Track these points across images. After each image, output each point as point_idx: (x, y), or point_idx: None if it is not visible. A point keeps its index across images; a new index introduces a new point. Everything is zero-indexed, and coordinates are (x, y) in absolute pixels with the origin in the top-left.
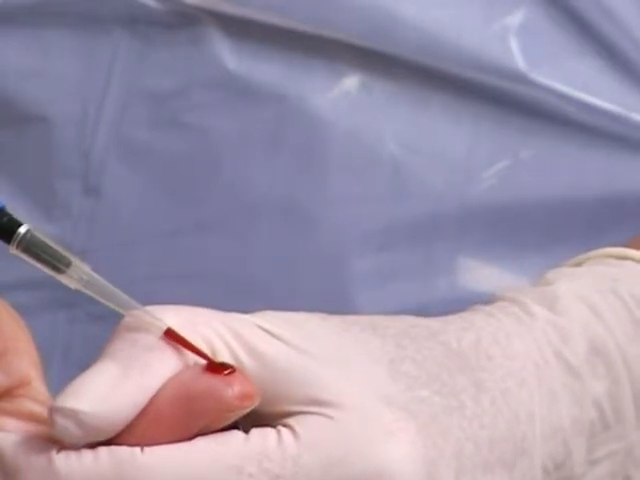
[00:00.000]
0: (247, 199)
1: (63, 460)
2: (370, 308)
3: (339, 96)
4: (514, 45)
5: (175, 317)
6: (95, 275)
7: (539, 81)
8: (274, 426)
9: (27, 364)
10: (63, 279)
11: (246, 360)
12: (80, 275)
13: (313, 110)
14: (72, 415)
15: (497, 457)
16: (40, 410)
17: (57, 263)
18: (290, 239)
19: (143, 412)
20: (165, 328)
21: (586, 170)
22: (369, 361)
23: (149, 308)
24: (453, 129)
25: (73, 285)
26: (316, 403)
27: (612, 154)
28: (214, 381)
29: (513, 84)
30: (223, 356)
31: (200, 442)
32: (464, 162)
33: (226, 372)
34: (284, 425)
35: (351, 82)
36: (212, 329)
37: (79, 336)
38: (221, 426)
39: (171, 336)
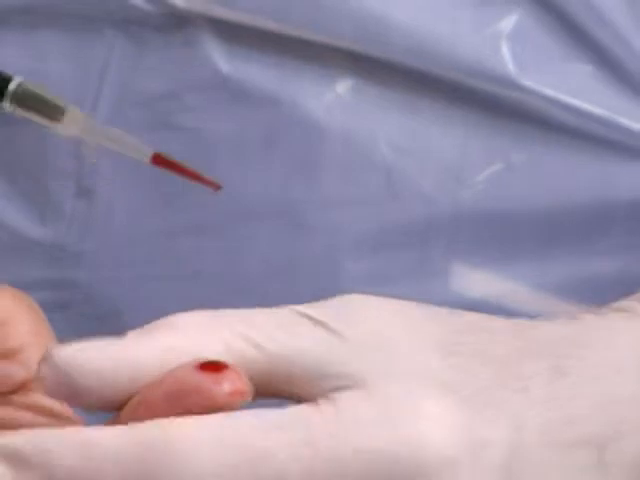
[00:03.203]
0: (241, 202)
1: (95, 430)
2: None
3: (332, 100)
4: (505, 50)
5: (192, 316)
6: (92, 120)
7: (530, 86)
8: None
9: None
10: (60, 129)
11: (268, 346)
12: (76, 121)
13: (306, 114)
14: (48, 356)
15: (578, 436)
16: (57, 404)
17: (52, 112)
18: (284, 242)
19: (140, 402)
20: (152, 154)
21: (578, 175)
22: (418, 345)
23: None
24: (445, 133)
25: (70, 132)
26: (349, 383)
27: (604, 159)
28: (202, 379)
29: (504, 89)
30: (240, 346)
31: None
32: (456, 166)
33: (217, 369)
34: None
35: (344, 86)
36: (228, 324)
37: (74, 337)
38: None
39: (159, 161)
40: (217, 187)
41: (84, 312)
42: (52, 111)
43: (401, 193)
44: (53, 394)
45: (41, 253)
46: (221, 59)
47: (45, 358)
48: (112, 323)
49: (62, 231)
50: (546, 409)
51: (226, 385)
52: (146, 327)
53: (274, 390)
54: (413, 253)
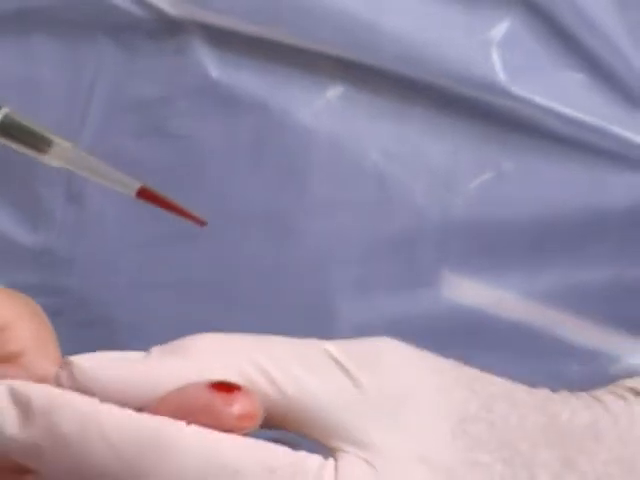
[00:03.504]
0: (230, 208)
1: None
2: (352, 318)
3: (322, 107)
4: (496, 58)
5: (212, 340)
6: (79, 151)
7: (521, 94)
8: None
9: (49, 363)
10: (46, 160)
11: (289, 388)
12: (63, 153)
13: (296, 121)
14: (68, 365)
15: None
16: None
17: (39, 143)
18: (273, 249)
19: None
20: (137, 188)
21: (569, 183)
22: (435, 413)
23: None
24: (435, 141)
25: (56, 164)
26: (356, 445)
27: (595, 167)
28: (213, 398)
29: (495, 97)
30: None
31: (249, 440)
32: (446, 174)
33: (228, 390)
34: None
35: (334, 93)
36: (246, 352)
37: (65, 344)
38: None
39: (145, 195)
40: (202, 223)
41: (75, 318)
42: (39, 142)
43: (391, 201)
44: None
45: (32, 259)
46: (212, 65)
47: (65, 366)
48: (103, 329)
49: (53, 237)
50: None
51: (236, 407)
52: (168, 348)
53: (282, 425)
54: (402, 261)
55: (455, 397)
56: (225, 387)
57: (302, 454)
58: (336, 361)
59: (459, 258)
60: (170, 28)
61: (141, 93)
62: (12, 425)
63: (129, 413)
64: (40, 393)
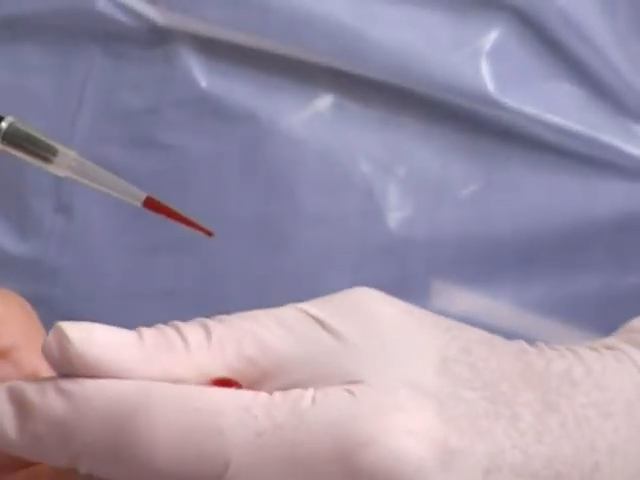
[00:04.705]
0: (219, 218)
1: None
2: None
3: (311, 116)
4: (485, 68)
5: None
6: (84, 160)
7: (510, 104)
8: None
9: (38, 358)
10: (52, 169)
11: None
12: (68, 162)
13: (285, 130)
14: (59, 334)
15: (554, 476)
16: None
17: (44, 153)
18: (262, 258)
19: None
20: (144, 198)
21: (559, 192)
22: (417, 355)
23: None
24: (425, 150)
25: (62, 173)
26: (342, 382)
27: (585, 176)
28: None
29: (484, 107)
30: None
31: (225, 389)
32: (436, 183)
33: (227, 386)
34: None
35: (323, 102)
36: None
37: None
38: None
39: (152, 205)
40: (209, 233)
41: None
42: (44, 151)
43: (381, 211)
44: (57, 366)
45: (20, 269)
46: (201, 75)
47: (55, 334)
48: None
49: (41, 247)
50: (534, 441)
51: None
52: (162, 338)
53: (271, 385)
54: (392, 271)
55: (435, 340)
56: (225, 384)
57: (279, 393)
58: (318, 320)
59: (449, 267)
60: (159, 37)
61: (130, 102)
62: (11, 423)
63: (116, 381)
64: (32, 385)
